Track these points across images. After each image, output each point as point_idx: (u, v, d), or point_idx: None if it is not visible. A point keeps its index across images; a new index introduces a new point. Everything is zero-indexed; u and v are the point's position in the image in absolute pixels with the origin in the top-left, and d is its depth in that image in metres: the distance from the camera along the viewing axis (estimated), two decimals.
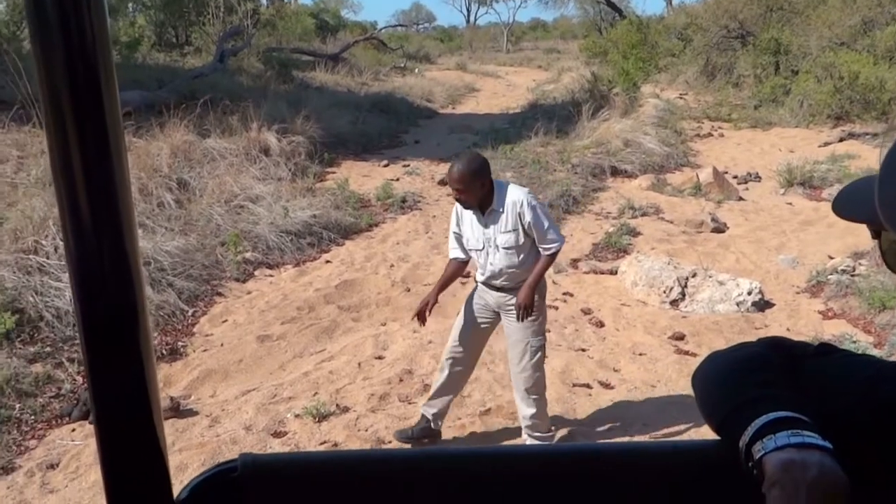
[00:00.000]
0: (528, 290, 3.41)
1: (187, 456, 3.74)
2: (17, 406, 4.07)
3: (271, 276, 6.32)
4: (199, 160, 8.51)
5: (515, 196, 3.32)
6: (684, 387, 4.49)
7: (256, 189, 7.91)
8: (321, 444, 3.88)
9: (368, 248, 7.14)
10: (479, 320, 3.64)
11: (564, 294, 5.97)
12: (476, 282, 3.67)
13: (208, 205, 7.26)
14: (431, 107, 17.93)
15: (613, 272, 6.38)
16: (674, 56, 21.17)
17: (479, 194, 3.29)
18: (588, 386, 4.51)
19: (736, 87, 18.03)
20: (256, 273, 6.32)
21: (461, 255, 3.58)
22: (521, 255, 3.42)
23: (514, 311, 3.44)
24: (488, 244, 3.42)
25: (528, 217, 3.30)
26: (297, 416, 4.06)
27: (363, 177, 10.14)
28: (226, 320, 5.41)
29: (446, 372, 3.72)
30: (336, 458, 0.93)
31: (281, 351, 4.97)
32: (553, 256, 3.46)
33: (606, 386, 4.53)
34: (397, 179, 9.92)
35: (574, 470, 0.90)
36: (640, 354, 4.95)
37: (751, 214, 8.41)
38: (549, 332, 5.20)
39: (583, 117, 11.63)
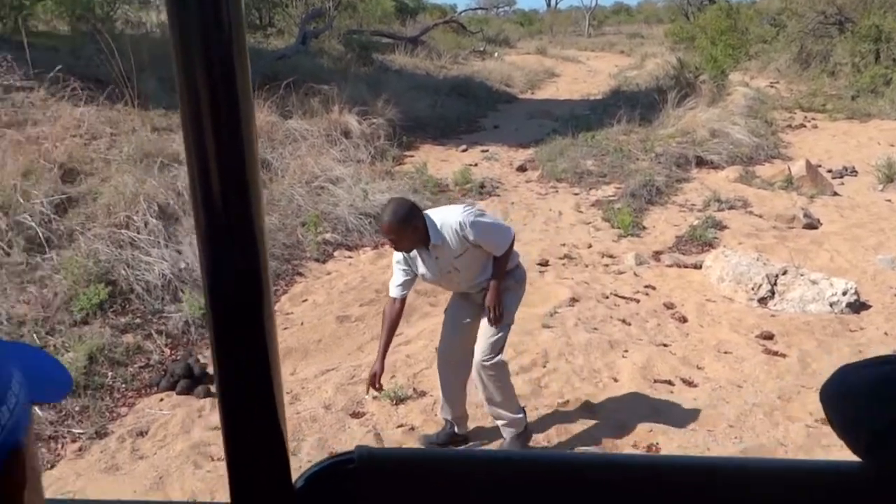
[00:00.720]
0: (494, 291, 3.35)
1: None
2: (110, 374, 4.23)
3: (350, 257, 6.38)
4: (281, 141, 8.66)
5: (451, 222, 3.20)
6: (772, 388, 4.32)
7: (337, 171, 7.99)
8: (398, 426, 3.90)
9: None
10: (466, 316, 3.55)
11: (646, 287, 5.82)
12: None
13: (290, 185, 7.37)
14: (511, 91, 17.78)
15: (698, 266, 6.18)
16: (765, 43, 20.36)
17: (415, 238, 3.16)
18: (670, 383, 4.39)
19: (832, 76, 17.22)
20: (336, 254, 6.39)
21: (405, 292, 3.38)
22: (483, 262, 3.36)
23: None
24: (446, 271, 3.33)
25: (472, 236, 3.21)
26: (374, 397, 4.09)
27: (441, 161, 10.14)
28: (306, 300, 5.49)
29: (446, 374, 3.62)
30: (452, 456, 0.90)
31: (359, 332, 5.01)
32: (508, 253, 3.36)
33: (689, 384, 4.40)
34: (475, 164, 9.87)
35: (690, 484, 0.84)
36: (726, 353, 4.78)
37: (846, 211, 8.02)
38: (630, 325, 5.11)
39: (667, 105, 11.31)
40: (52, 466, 3.49)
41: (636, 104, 12.24)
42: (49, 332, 4.36)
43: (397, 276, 3.35)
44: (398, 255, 3.32)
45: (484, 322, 3.42)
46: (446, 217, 3.21)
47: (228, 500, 0.73)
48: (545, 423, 3.92)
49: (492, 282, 3.35)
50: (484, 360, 3.38)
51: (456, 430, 3.73)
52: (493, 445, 3.63)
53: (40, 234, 5.12)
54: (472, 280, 3.40)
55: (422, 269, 3.33)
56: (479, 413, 3.94)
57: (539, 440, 3.76)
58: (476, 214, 3.24)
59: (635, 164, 9.11)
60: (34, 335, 4.29)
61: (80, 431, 3.77)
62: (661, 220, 7.58)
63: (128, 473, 3.49)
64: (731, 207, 7.83)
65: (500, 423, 3.56)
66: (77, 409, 3.91)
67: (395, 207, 3.12)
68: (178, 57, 0.59)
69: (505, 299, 3.41)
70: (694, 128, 10.35)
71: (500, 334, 3.40)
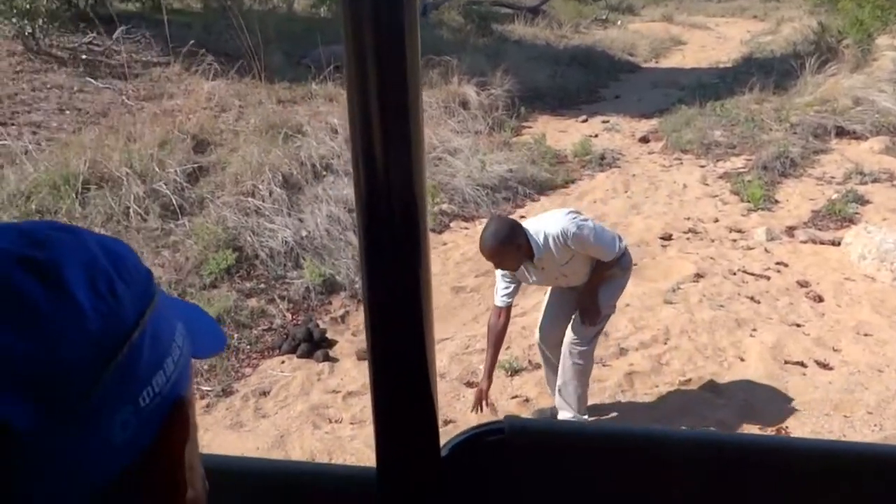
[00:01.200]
0: (590, 296, 3.25)
1: None
2: (235, 336, 4.41)
3: (466, 228, 6.36)
4: None
5: (554, 232, 3.03)
6: None
7: (454, 142, 7.97)
8: (512, 397, 3.87)
9: (564, 205, 6.97)
10: (568, 302, 3.43)
11: (778, 264, 5.48)
12: None
13: None
14: (633, 60, 17.16)
15: (836, 243, 5.76)
16: None
17: (518, 255, 3.02)
18: (802, 364, 4.12)
19: None
20: (452, 225, 6.39)
21: (510, 301, 3.27)
22: (592, 263, 3.22)
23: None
24: (554, 277, 3.25)
25: (573, 245, 3.06)
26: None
27: (560, 132, 9.92)
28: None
29: (546, 356, 3.58)
30: (604, 431, 0.85)
31: (475, 303, 4.99)
32: (614, 260, 3.19)
33: (824, 366, 4.12)
34: (595, 135, 9.60)
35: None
36: (866, 335, 4.44)
37: None
38: (759, 303, 4.83)
39: (805, 72, 10.56)
40: None
41: (770, 71, 11.52)
42: (181, 294, 4.58)
43: (501, 286, 3.24)
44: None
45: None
46: (548, 227, 3.07)
47: (367, 465, 0.72)
48: (666, 401, 3.78)
49: (588, 285, 3.26)
50: (574, 343, 3.31)
51: None
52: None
53: (174, 202, 5.39)
54: (580, 280, 3.31)
55: (531, 278, 3.26)
56: (595, 388, 3.85)
57: (657, 418, 3.62)
58: (579, 224, 3.07)
59: (768, 135, 8.58)
60: None
61: (208, 389, 3.96)
62: (796, 193, 7.11)
63: (251, 431, 3.64)
64: (875, 181, 7.24)
65: (562, 415, 3.42)
66: (205, 367, 4.10)
67: (495, 229, 3.00)
68: (348, 36, 0.58)
69: (607, 289, 3.30)
70: (835, 96, 9.62)
71: (598, 326, 3.32)
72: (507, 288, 3.23)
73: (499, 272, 3.22)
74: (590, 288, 3.26)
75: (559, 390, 3.41)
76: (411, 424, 0.69)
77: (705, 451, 0.74)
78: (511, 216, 6.67)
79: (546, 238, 3.04)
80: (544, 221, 3.13)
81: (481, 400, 3.33)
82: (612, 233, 3.26)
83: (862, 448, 0.89)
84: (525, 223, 3.13)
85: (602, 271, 3.23)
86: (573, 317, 3.35)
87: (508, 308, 3.27)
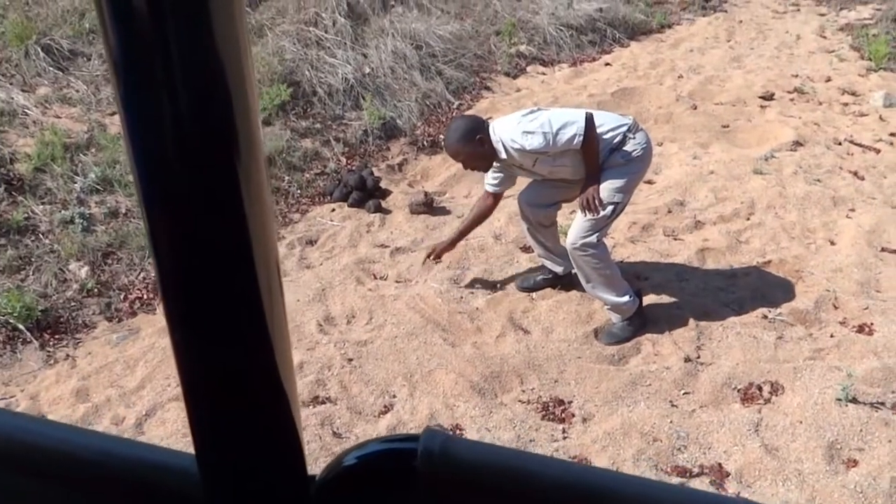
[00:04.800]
0: (587, 187, 2.94)
1: None
2: (286, 178, 4.22)
3: (544, 73, 5.85)
4: None
5: (507, 140, 2.86)
6: None
7: None
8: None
9: (656, 52, 6.32)
10: (559, 184, 3.20)
11: (892, 135, 4.84)
12: None
13: None
14: None
15: None
16: None
17: (483, 155, 2.93)
18: None
19: None
20: (528, 69, 5.88)
21: (500, 189, 3.19)
22: (575, 155, 2.90)
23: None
24: (545, 173, 3.03)
25: (530, 149, 2.82)
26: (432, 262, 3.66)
27: None
28: (491, 117, 5.13)
29: (532, 228, 3.32)
30: (567, 473, 0.52)
31: None
32: (590, 142, 2.83)
33: None
34: None
35: None
36: None
37: None
38: (863, 179, 4.31)
39: None
40: None
41: None
42: None
43: (491, 172, 3.12)
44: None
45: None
46: (503, 131, 2.90)
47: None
48: (738, 284, 3.44)
49: (586, 174, 2.94)
50: (573, 242, 2.96)
51: (559, 272, 3.34)
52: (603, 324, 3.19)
53: None
54: (571, 175, 3.01)
55: (515, 173, 3.13)
56: (662, 263, 3.52)
57: (726, 302, 3.30)
58: (527, 126, 2.82)
59: None
60: None
61: None
62: None
63: (294, 281, 3.52)
64: None
65: (605, 306, 3.13)
66: None
67: (456, 127, 2.95)
68: None
69: (608, 177, 2.92)
70: None
71: (597, 216, 2.92)
72: (495, 177, 3.15)
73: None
74: (587, 176, 2.94)
75: (585, 283, 3.10)
76: (258, 445, 0.44)
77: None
78: (595, 62, 6.10)
79: (502, 142, 2.90)
80: (502, 124, 2.96)
81: (438, 254, 3.41)
82: (573, 118, 2.83)
83: None
84: (493, 122, 3.01)
85: (589, 166, 2.91)
86: (577, 213, 3.01)
87: (496, 195, 3.23)
